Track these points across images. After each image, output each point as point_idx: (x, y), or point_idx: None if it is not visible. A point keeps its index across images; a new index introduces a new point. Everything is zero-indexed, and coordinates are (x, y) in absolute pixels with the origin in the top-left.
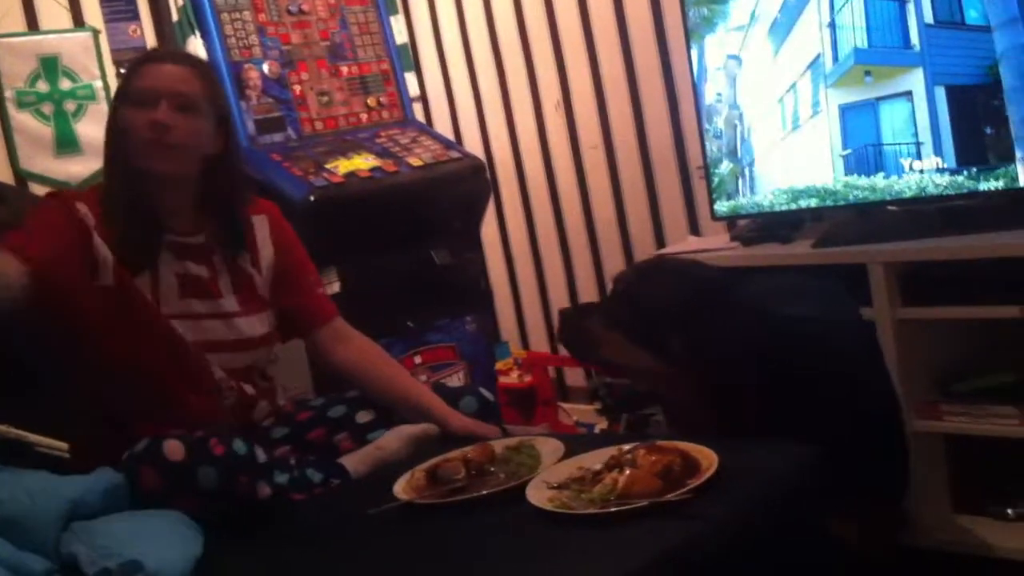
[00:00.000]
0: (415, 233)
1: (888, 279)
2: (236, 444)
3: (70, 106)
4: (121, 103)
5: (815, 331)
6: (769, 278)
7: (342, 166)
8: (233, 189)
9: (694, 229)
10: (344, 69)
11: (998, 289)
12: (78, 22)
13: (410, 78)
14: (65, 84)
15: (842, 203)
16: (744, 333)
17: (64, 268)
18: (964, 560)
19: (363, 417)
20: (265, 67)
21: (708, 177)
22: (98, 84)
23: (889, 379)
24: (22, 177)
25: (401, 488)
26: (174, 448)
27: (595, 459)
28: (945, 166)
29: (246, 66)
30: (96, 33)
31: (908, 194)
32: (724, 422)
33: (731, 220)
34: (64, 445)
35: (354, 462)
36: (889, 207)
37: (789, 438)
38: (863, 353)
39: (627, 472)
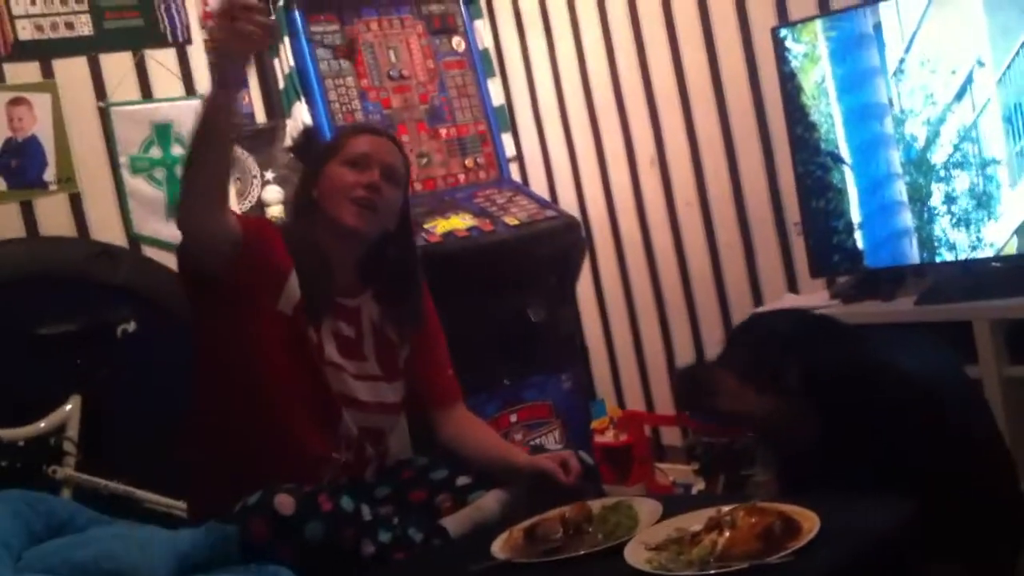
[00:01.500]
0: (511, 290)
1: (995, 336)
2: (344, 501)
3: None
4: (329, 161)
5: (927, 385)
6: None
7: (440, 226)
8: (409, 262)
9: (792, 286)
10: (443, 131)
11: None
12: (189, 90)
13: (506, 138)
14: (177, 150)
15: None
16: (860, 376)
17: (262, 264)
18: None
19: (463, 480)
20: None
21: (807, 233)
22: None
23: (1000, 437)
24: (135, 240)
25: (499, 547)
26: (285, 502)
27: (693, 520)
28: None
29: None
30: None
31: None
32: (832, 460)
33: (833, 275)
34: (182, 504)
35: (454, 523)
36: (994, 263)
37: (890, 493)
38: (973, 410)
39: (727, 533)
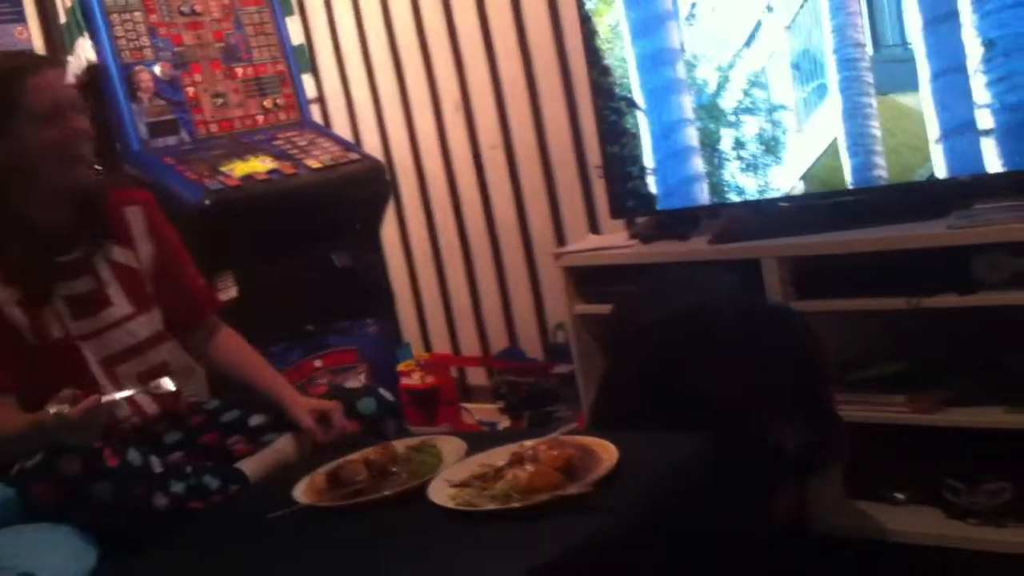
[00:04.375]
0: (314, 236)
1: (781, 273)
2: (130, 455)
3: None
4: (12, 119)
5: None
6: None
7: (238, 169)
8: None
9: (594, 228)
10: (239, 70)
11: (886, 281)
12: None
13: (307, 80)
14: None
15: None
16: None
17: None
18: (859, 544)
19: (256, 420)
20: (157, 69)
21: (607, 176)
22: None
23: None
24: None
25: (302, 491)
26: (69, 461)
27: (497, 456)
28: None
29: (137, 68)
30: None
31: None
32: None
33: (630, 218)
34: None
35: (252, 466)
36: (782, 203)
37: (685, 428)
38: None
39: (529, 467)
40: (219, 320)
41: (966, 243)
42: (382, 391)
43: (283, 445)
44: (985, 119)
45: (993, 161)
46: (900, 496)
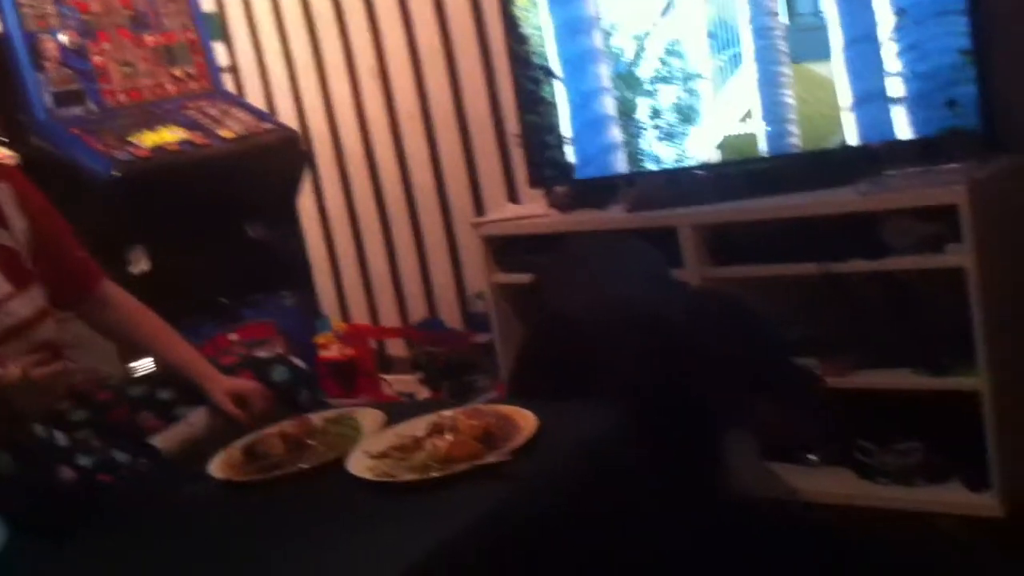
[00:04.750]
0: (229, 207)
1: (697, 241)
2: (34, 428)
3: None
4: None
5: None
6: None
7: (148, 139)
8: None
9: (512, 196)
10: (148, 39)
11: (799, 247)
12: None
13: (219, 48)
14: None
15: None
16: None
17: None
18: (771, 505)
19: (165, 393)
20: (63, 37)
21: (525, 145)
22: None
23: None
24: None
25: (217, 466)
26: None
27: (416, 426)
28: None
29: (42, 36)
30: None
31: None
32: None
33: (548, 187)
34: None
35: (163, 440)
36: (697, 171)
37: (605, 399)
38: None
39: (448, 437)
40: (116, 291)
41: (876, 209)
42: (294, 359)
43: (196, 419)
44: (895, 87)
45: (903, 128)
46: (813, 458)
